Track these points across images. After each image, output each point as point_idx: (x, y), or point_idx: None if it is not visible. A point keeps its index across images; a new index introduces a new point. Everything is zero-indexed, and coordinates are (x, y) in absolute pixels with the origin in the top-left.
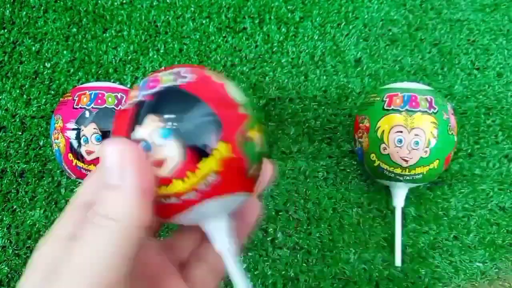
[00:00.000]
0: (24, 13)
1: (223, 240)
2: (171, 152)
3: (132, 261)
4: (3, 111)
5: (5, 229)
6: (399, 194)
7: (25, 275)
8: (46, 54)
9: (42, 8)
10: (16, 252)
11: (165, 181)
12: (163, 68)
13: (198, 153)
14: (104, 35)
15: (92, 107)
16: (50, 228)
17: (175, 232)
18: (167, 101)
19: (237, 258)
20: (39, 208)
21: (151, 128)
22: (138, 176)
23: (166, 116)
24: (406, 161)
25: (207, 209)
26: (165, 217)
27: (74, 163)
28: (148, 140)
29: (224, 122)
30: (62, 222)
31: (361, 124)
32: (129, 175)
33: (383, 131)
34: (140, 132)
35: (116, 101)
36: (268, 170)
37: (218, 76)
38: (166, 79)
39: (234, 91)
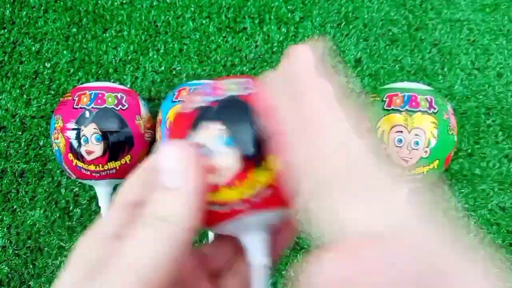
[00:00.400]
0: (24, 13)
1: (260, 254)
2: (226, 160)
3: (179, 263)
4: (3, 111)
5: (5, 229)
6: None
7: (65, 271)
8: (46, 54)
9: (42, 8)
10: (16, 252)
11: (215, 188)
12: (227, 76)
13: (251, 164)
14: (104, 35)
15: (92, 107)
16: (92, 226)
17: (208, 242)
18: (228, 110)
19: (269, 275)
20: (39, 208)
21: (209, 134)
22: (194, 180)
23: (225, 124)
24: (406, 161)
25: (251, 221)
26: (209, 224)
27: (74, 163)
28: (207, 146)
29: None
30: (106, 220)
31: None
32: (185, 178)
33: (383, 131)
34: (198, 137)
35: (116, 101)
36: None
37: None
38: (229, 87)
39: None
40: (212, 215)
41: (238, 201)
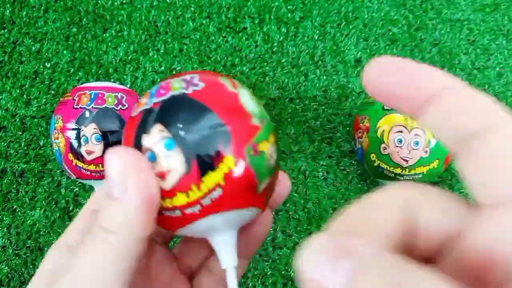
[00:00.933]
0: (24, 13)
1: (228, 256)
2: (176, 164)
3: (132, 274)
4: (3, 111)
5: (5, 229)
6: None
7: (31, 282)
8: (46, 54)
9: (42, 8)
10: (16, 252)
11: (168, 194)
12: (177, 73)
13: (203, 166)
14: (104, 35)
15: (92, 107)
16: (59, 236)
17: (184, 241)
18: (175, 110)
19: (239, 277)
20: (39, 208)
21: (156, 138)
22: (141, 187)
23: (172, 126)
24: (406, 161)
25: (212, 224)
26: (169, 229)
27: (74, 163)
28: (153, 150)
29: (233, 134)
30: (69, 230)
31: (361, 124)
32: (131, 186)
33: (383, 131)
34: (146, 141)
35: (116, 101)
36: (284, 185)
37: (233, 83)
38: (176, 86)
39: (247, 100)
40: (170, 220)
41: (193, 205)
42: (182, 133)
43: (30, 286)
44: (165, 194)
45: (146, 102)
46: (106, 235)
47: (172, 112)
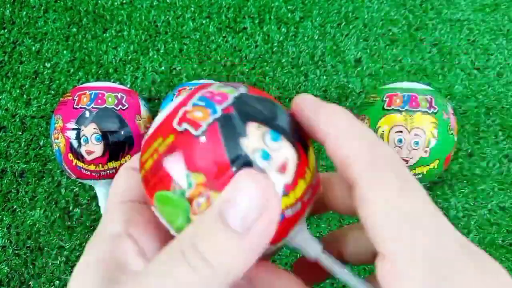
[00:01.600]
0: (24, 13)
1: (314, 243)
2: (289, 152)
3: None
4: (3, 111)
5: (5, 229)
6: None
7: (80, 274)
8: (46, 54)
9: (42, 8)
10: (16, 252)
11: (292, 187)
12: (197, 86)
13: (304, 146)
14: (104, 35)
15: (92, 107)
16: (97, 228)
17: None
18: (254, 106)
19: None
20: (39, 208)
21: (258, 135)
22: (266, 232)
23: (264, 119)
24: (406, 161)
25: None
26: (279, 237)
27: (74, 163)
28: (263, 148)
29: (296, 120)
30: (107, 220)
31: None
32: (258, 228)
33: (383, 131)
34: (247, 144)
35: (116, 101)
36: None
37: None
38: (229, 90)
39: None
40: (284, 225)
41: (307, 190)
42: (277, 122)
43: (83, 277)
44: (288, 189)
45: (209, 114)
46: (201, 264)
47: (252, 108)
